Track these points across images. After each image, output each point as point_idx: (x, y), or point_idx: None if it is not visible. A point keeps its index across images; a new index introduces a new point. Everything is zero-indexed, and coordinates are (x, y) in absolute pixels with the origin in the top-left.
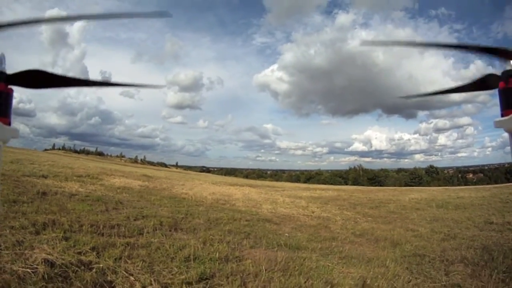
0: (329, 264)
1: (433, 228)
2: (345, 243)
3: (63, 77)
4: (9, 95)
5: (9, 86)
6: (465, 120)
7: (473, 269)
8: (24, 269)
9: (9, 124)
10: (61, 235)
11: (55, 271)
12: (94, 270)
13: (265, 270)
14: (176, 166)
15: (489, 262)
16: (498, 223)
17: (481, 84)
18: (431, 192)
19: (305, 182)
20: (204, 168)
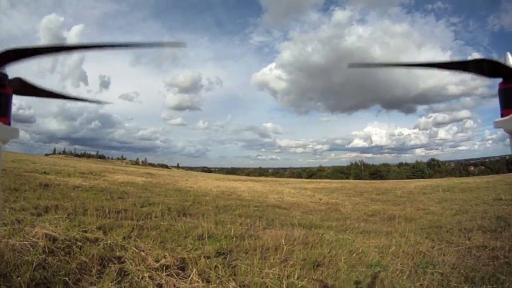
0: (349, 238)
1: (444, 207)
2: (359, 222)
3: (46, 46)
4: (9, 95)
5: (9, 85)
6: (464, 113)
7: (491, 234)
8: (22, 242)
9: (9, 124)
10: (64, 216)
11: (58, 245)
12: (101, 245)
13: (285, 244)
14: (177, 167)
15: (506, 227)
16: (507, 199)
17: (473, 66)
18: (435, 181)
19: (307, 178)
20: (205, 169)
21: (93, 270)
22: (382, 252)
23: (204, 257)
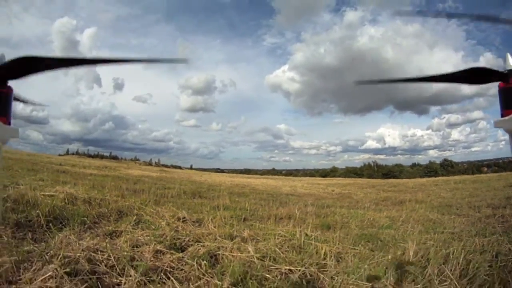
0: (360, 212)
1: (455, 194)
2: (370, 205)
3: (59, 59)
4: (8, 94)
5: (9, 85)
6: (477, 114)
7: (502, 210)
8: (42, 193)
9: (9, 123)
10: (83, 188)
11: (78, 202)
12: (119, 203)
13: (298, 214)
14: (191, 168)
15: None
16: None
17: (464, 77)
18: (448, 177)
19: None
20: (219, 170)
21: (111, 218)
22: (392, 220)
23: (222, 217)
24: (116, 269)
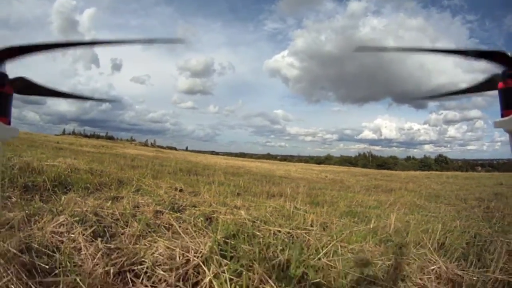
0: (350, 195)
1: (445, 186)
2: (361, 190)
3: (48, 89)
4: (9, 95)
5: (9, 85)
6: (474, 113)
7: (488, 203)
8: (46, 163)
9: (9, 123)
10: (83, 161)
11: (80, 171)
12: (119, 174)
13: (289, 192)
14: (186, 150)
15: (502, 199)
16: (508, 184)
17: (486, 84)
18: (441, 173)
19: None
20: (214, 153)
21: (112, 187)
22: (380, 203)
23: (215, 190)
24: (120, 222)
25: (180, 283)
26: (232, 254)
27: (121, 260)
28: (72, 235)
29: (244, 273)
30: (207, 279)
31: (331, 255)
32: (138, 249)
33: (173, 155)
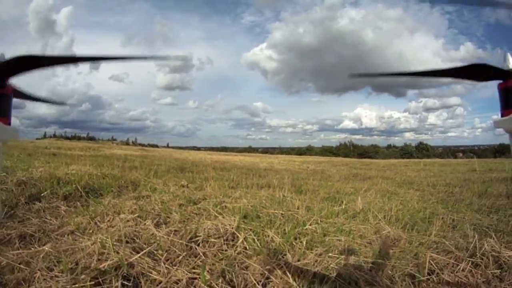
0: (330, 183)
1: (420, 174)
2: (341, 179)
3: (52, 57)
4: (9, 95)
5: (9, 85)
6: (454, 100)
7: (454, 188)
8: (64, 171)
9: (9, 124)
10: (82, 164)
11: (96, 176)
12: (131, 176)
13: (276, 183)
14: (167, 147)
15: (470, 184)
16: (481, 170)
17: (463, 72)
18: (419, 160)
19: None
20: (195, 148)
21: (129, 188)
22: (355, 189)
23: (213, 185)
24: (161, 215)
25: (225, 245)
26: (249, 227)
27: (185, 235)
28: (143, 225)
29: (261, 232)
30: (240, 240)
31: (314, 224)
32: (191, 228)
33: (158, 153)
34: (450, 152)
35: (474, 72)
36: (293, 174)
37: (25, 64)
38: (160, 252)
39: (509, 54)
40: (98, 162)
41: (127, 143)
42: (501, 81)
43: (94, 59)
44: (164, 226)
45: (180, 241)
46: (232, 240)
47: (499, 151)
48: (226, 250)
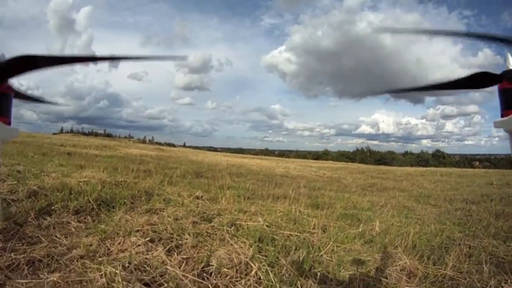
0: (347, 195)
1: (437, 185)
2: (357, 190)
3: (52, 57)
4: (9, 95)
5: (9, 85)
6: (472, 108)
7: (471, 206)
8: (77, 180)
9: (9, 124)
10: (96, 168)
11: (109, 184)
12: (144, 185)
13: (292, 195)
14: (184, 146)
15: (488, 201)
16: (498, 184)
17: (473, 82)
18: (436, 168)
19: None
20: (212, 148)
21: (143, 198)
22: (372, 204)
23: (229, 195)
24: (174, 235)
25: (237, 275)
26: (263, 255)
27: (197, 264)
28: (155, 252)
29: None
30: (254, 271)
31: (330, 252)
32: (203, 256)
33: (174, 153)
34: (467, 160)
35: (478, 80)
36: (309, 182)
37: (25, 64)
38: (170, 284)
39: (509, 54)
40: (112, 165)
41: (143, 141)
42: (501, 82)
43: (95, 59)
44: (175, 252)
45: (192, 271)
46: (245, 270)
47: None
48: (238, 280)
